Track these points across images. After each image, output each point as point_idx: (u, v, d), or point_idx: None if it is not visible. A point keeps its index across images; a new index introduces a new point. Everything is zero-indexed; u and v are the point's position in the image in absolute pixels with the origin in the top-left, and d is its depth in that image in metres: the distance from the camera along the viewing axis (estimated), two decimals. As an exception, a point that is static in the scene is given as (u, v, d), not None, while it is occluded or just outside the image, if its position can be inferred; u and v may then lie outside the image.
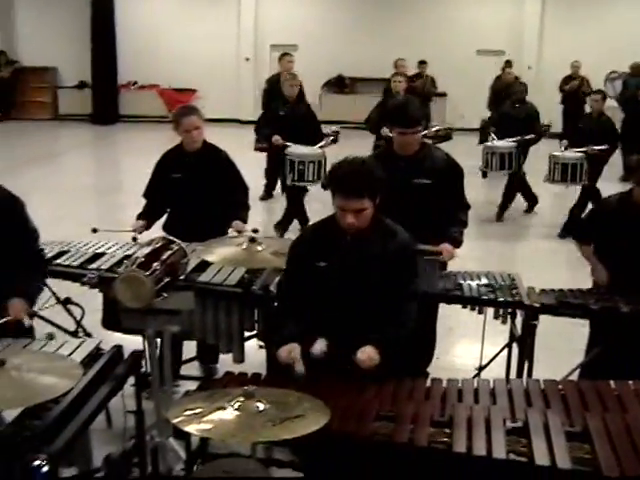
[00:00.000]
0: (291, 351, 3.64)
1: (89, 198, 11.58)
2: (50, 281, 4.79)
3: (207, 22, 19.12)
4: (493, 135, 10.37)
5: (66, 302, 5.23)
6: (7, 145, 15.96)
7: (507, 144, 10.10)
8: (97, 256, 4.99)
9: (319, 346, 3.62)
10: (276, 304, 4.19)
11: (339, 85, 18.93)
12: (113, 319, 4.81)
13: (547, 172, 9.88)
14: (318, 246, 3.83)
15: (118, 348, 3.58)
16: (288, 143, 8.94)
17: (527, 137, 10.09)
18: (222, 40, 19.15)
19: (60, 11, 19.51)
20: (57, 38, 19.55)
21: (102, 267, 4.79)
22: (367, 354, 3.57)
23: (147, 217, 5.42)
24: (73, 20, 19.31)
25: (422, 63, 15.39)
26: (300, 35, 18.65)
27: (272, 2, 19.06)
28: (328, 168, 4.74)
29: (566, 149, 9.83)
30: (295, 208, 9.30)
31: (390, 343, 3.66)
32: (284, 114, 9.20)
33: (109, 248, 5.14)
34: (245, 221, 5.27)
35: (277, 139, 8.95)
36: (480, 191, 11.50)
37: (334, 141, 9.24)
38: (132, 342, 3.94)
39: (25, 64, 20.21)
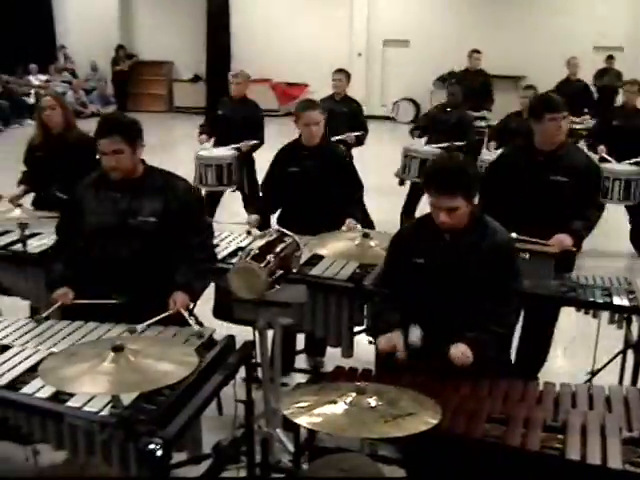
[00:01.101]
0: (392, 339, 3.65)
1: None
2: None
3: (320, 17, 19.23)
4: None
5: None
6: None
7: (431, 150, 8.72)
8: (211, 247, 5.06)
9: (414, 335, 3.59)
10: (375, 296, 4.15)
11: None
12: (224, 309, 4.89)
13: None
14: (417, 242, 3.83)
15: (231, 338, 3.65)
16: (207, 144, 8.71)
17: (457, 144, 8.67)
18: (335, 35, 19.21)
19: (177, 6, 20.00)
20: (174, 33, 20.06)
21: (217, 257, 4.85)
22: (460, 350, 3.55)
23: (260, 211, 5.49)
24: (190, 15, 19.75)
25: (610, 58, 15.10)
26: (413, 30, 18.59)
27: (386, -3, 19.03)
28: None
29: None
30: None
31: (485, 342, 3.62)
32: (222, 113, 8.67)
33: (223, 239, 5.22)
34: (358, 219, 5.26)
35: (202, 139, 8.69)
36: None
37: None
38: (241, 332, 3.98)
39: (143, 58, 20.82)
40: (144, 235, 3.94)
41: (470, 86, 10.90)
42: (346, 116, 9.00)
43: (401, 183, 9.17)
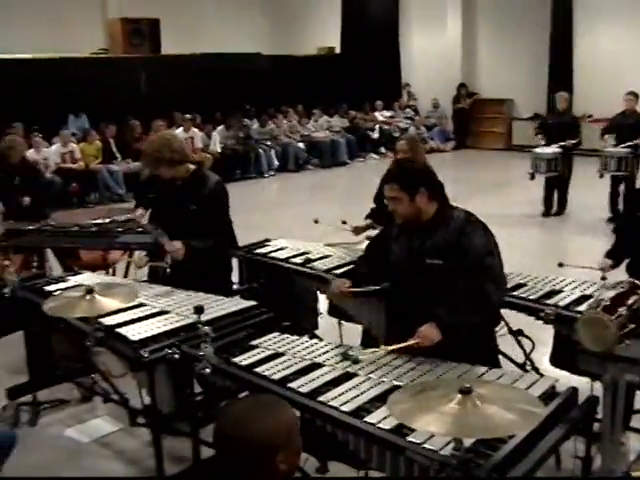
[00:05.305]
0: None
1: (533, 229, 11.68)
2: (505, 311, 4.79)
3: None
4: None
5: (518, 333, 5.28)
6: (463, 171, 16.90)
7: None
8: (553, 292, 4.95)
9: None
10: None
11: None
12: (563, 357, 4.76)
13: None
14: None
15: (574, 390, 3.52)
16: None
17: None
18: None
19: (519, 45, 19.95)
20: (515, 71, 20.06)
21: (559, 304, 4.72)
22: None
23: (615, 256, 5.24)
24: (531, 54, 19.63)
25: None
26: None
27: None
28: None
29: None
30: None
31: None
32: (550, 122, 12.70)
33: (566, 285, 5.08)
34: None
35: None
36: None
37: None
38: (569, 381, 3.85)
39: (484, 96, 21.06)
40: (431, 276, 3.95)
41: None
42: None
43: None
